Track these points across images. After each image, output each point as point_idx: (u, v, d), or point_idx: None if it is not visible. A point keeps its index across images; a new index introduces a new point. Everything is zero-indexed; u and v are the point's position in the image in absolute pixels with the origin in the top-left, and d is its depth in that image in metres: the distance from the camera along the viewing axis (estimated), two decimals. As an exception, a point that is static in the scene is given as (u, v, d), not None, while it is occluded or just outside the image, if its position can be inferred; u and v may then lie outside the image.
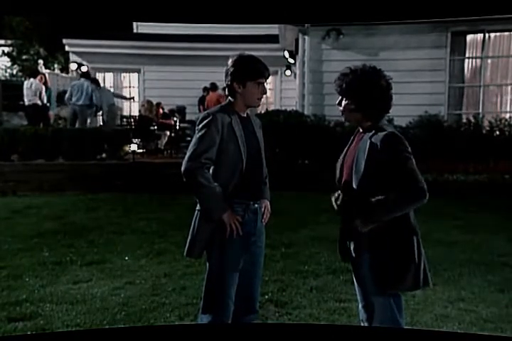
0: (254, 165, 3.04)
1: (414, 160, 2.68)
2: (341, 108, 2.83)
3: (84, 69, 14.80)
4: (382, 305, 2.73)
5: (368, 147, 2.69)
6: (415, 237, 2.71)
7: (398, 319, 2.76)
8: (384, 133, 2.68)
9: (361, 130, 2.84)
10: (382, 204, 2.64)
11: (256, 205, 3.08)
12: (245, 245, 3.02)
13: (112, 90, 14.61)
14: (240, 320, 3.06)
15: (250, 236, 3.04)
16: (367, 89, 2.73)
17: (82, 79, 11.98)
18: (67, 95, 11.96)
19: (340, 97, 2.83)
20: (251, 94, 3.00)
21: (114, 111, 12.87)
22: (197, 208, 3.03)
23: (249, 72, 2.98)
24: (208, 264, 3.06)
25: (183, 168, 2.94)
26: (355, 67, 2.79)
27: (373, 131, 2.72)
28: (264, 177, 3.18)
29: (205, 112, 3.06)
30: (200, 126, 2.96)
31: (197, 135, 2.97)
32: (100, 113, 12.79)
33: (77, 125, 11.73)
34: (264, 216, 3.16)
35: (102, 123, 13.03)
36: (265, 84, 3.07)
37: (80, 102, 11.52)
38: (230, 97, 3.07)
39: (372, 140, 2.69)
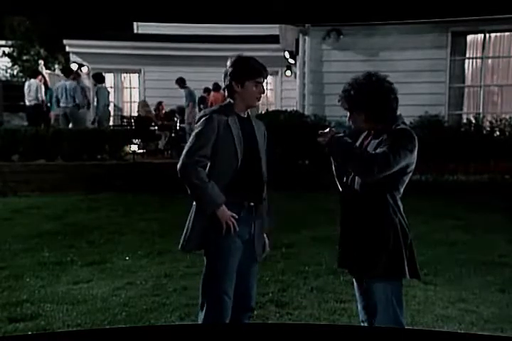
0: (251, 165, 3.06)
1: (407, 157, 2.69)
2: (356, 123, 2.86)
3: (84, 69, 14.78)
4: (384, 305, 2.74)
5: (376, 144, 2.74)
6: (395, 228, 2.73)
7: (400, 319, 2.77)
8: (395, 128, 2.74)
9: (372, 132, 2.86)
10: (350, 150, 2.75)
11: (252, 204, 3.09)
12: (239, 243, 3.04)
13: (110, 91, 14.52)
14: (236, 317, 3.08)
15: (245, 234, 3.06)
16: (374, 94, 2.77)
17: (63, 80, 11.96)
18: (54, 99, 11.90)
19: (349, 114, 2.87)
20: (250, 93, 3.05)
21: (106, 112, 12.75)
22: (194, 203, 3.08)
23: (247, 72, 3.04)
24: (205, 260, 3.07)
25: (178, 165, 3.01)
26: (352, 80, 2.83)
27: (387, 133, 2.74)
28: (264, 178, 3.16)
29: (203, 111, 3.16)
30: (198, 124, 3.05)
31: (193, 133, 3.06)
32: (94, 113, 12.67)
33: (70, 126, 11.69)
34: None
35: (96, 124, 12.91)
36: (264, 84, 3.11)
37: (69, 105, 11.42)
38: (229, 98, 3.11)
39: (383, 137, 2.74)
